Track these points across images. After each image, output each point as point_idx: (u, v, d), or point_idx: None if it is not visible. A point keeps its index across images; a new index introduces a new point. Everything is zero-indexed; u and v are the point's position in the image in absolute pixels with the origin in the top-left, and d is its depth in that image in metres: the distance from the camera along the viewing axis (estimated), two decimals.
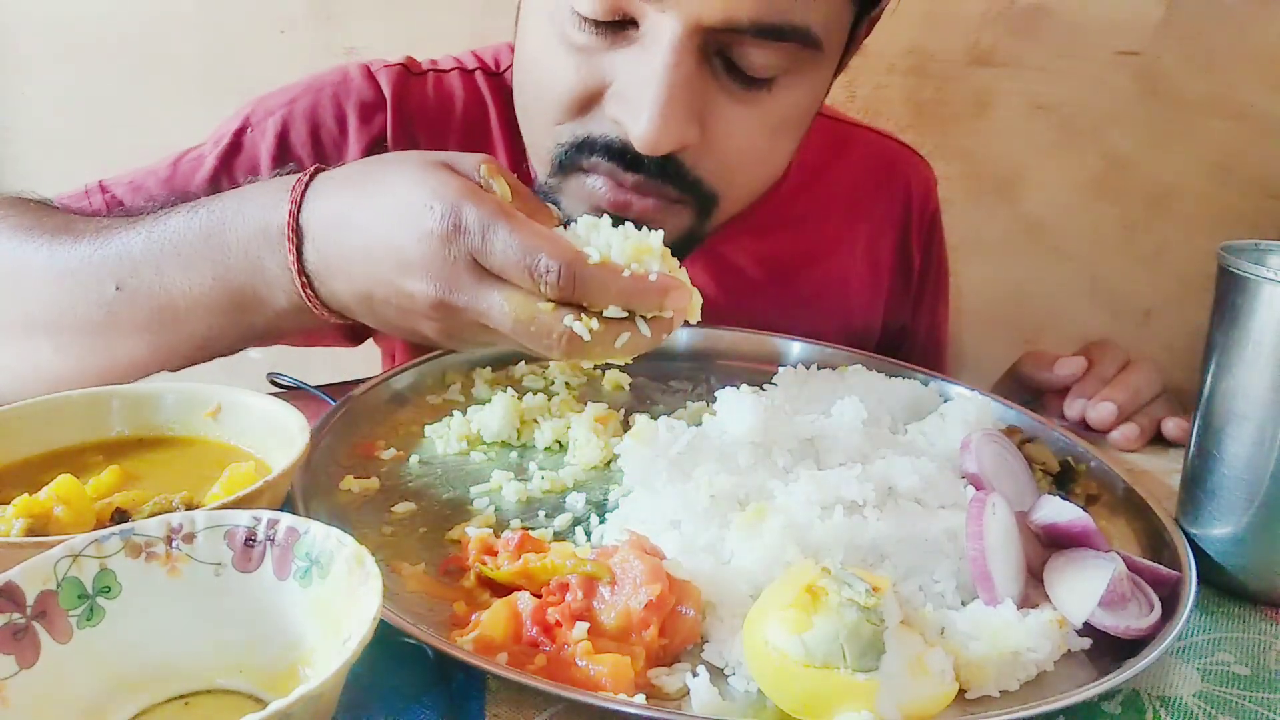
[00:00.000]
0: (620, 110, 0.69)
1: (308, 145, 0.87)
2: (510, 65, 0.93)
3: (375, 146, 0.88)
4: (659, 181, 0.72)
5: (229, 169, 0.86)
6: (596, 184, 0.73)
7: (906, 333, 1.12)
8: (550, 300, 0.58)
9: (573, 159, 0.74)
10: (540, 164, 0.78)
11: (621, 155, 0.71)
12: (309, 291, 0.65)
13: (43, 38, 1.51)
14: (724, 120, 0.71)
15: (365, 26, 1.51)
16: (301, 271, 0.64)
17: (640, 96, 0.67)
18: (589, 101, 0.71)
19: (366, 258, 0.62)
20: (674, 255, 0.65)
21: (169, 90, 1.50)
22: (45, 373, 0.71)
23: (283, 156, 0.86)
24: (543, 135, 0.76)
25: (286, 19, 1.51)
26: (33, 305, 0.70)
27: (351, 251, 0.62)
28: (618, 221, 0.63)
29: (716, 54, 0.69)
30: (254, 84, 0.91)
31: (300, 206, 0.64)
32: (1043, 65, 1.56)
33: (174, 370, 0.73)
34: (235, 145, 0.86)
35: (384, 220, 0.61)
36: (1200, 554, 0.62)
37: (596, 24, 0.68)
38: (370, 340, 1.02)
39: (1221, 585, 0.62)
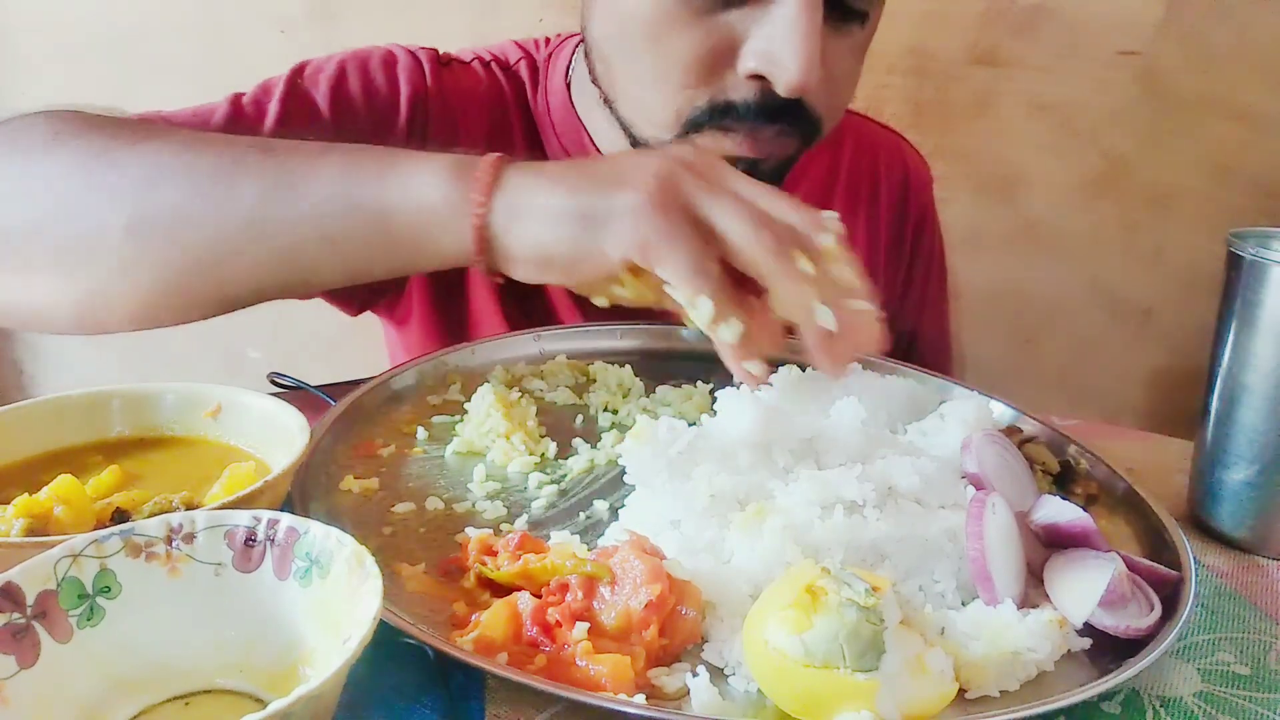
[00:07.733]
0: (764, 63, 0.73)
1: (361, 94, 0.88)
2: (520, 59, 0.96)
3: (418, 100, 0.89)
4: (790, 125, 0.77)
5: (290, 115, 0.84)
6: (736, 140, 0.77)
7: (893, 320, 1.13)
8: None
9: (708, 121, 0.77)
10: (659, 127, 0.80)
11: (761, 112, 0.75)
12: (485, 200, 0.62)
13: (42, 38, 1.51)
14: (831, 55, 0.76)
15: (365, 26, 1.51)
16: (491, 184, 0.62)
17: (785, 46, 0.71)
18: (721, 63, 0.75)
19: (586, 167, 0.64)
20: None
21: (169, 90, 1.49)
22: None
23: (339, 99, 0.87)
24: (667, 99, 0.78)
25: (286, 19, 1.51)
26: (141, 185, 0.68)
27: (567, 169, 0.64)
28: None
29: None
30: (254, 84, 0.91)
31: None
32: (1043, 65, 1.56)
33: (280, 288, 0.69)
34: (292, 90, 0.86)
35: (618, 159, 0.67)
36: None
37: None
38: (369, 332, 1.01)
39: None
